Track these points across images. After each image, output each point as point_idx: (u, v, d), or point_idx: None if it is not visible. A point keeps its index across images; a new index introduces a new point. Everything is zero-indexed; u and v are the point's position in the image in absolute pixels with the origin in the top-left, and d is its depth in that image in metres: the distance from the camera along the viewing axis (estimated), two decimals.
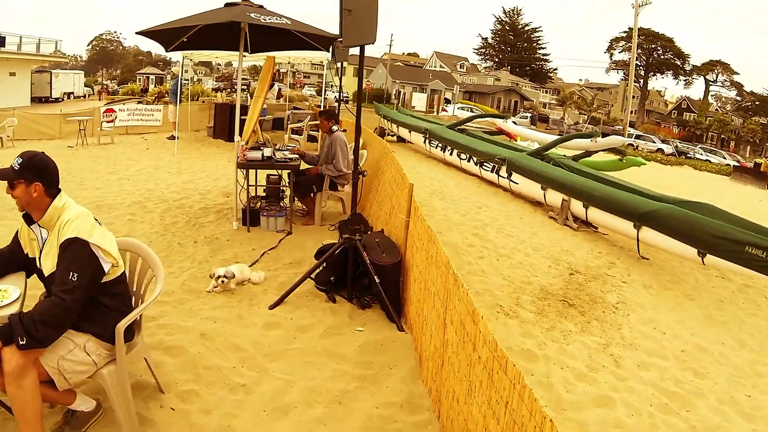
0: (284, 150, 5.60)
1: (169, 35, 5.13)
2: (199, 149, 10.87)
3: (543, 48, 62.60)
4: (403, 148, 13.10)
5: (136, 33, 4.66)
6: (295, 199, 5.67)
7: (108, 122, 12.72)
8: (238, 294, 3.85)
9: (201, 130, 13.28)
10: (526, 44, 61.25)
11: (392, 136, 14.22)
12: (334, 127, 5.55)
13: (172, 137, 11.48)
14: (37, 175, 2.09)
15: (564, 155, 8.41)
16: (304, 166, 5.71)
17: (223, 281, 3.81)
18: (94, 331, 2.17)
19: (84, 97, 33.90)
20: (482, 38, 65.60)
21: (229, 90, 24.30)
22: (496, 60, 62.33)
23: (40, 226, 2.18)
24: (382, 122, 14.75)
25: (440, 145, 10.95)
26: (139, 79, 44.86)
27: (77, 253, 2.05)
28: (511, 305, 4.08)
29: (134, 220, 5.39)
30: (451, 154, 10.47)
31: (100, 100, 29.02)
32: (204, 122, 13.49)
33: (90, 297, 2.11)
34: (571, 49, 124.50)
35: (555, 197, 7.03)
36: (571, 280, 4.71)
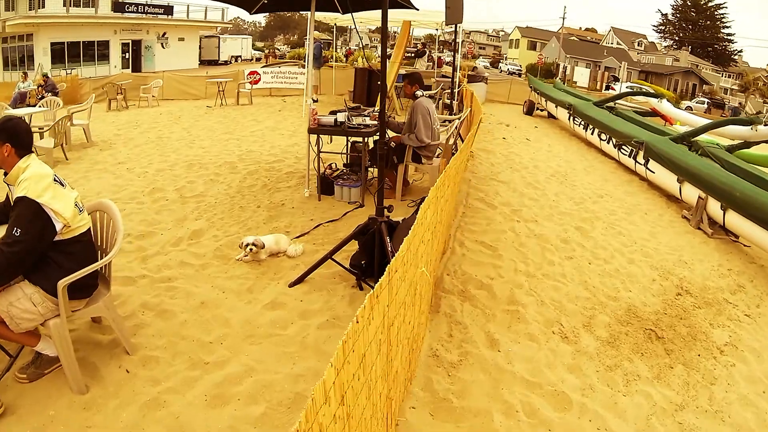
0: (366, 115, 5.27)
1: None
2: None
3: (727, 27, 52.94)
4: (550, 125, 11.75)
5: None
6: (371, 169, 5.35)
7: (251, 83, 13.99)
8: (265, 265, 3.72)
9: (344, 94, 13.65)
10: (708, 22, 52.68)
11: (542, 111, 12.81)
12: (418, 92, 5.01)
13: (313, 101, 12.02)
14: (9, 138, 2.25)
15: (718, 144, 6.47)
16: (392, 134, 5.32)
17: (251, 249, 3.71)
18: (42, 284, 2.27)
19: (252, 60, 37.49)
20: (662, 14, 59.49)
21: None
22: (676, 39, 54.00)
23: (8, 183, 2.36)
24: (532, 95, 13.40)
25: (583, 123, 9.42)
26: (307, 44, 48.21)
27: (23, 210, 2.16)
28: (576, 326, 3.18)
29: (216, 180, 5.69)
30: (592, 133, 8.92)
31: (266, 63, 32.07)
32: (350, 87, 13.81)
33: (42, 252, 2.23)
34: (758, 29, 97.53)
35: (691, 193, 5.42)
36: (673, 303, 3.50)
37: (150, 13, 27.58)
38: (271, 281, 3.52)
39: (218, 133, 8.63)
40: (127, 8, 26.28)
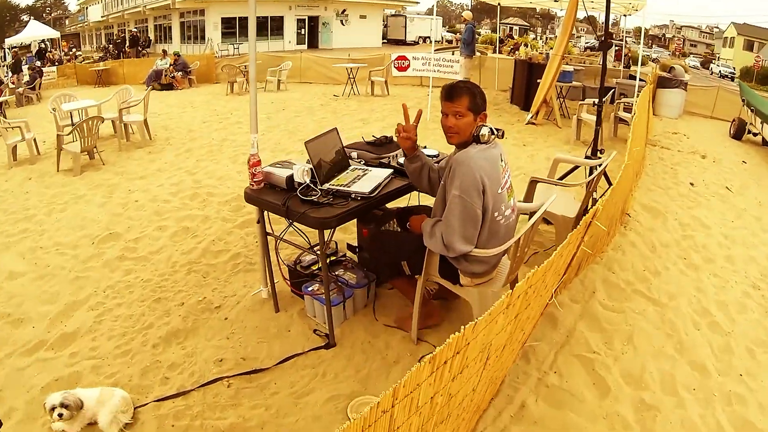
0: (378, 163, 2.67)
1: None
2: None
3: None
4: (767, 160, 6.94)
5: None
6: (360, 269, 2.74)
7: (398, 69, 11.83)
8: None
9: (506, 90, 10.58)
10: None
11: (755, 135, 7.86)
12: (484, 129, 2.11)
13: None
14: None
15: None
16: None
17: (61, 415, 1.70)
18: None
19: (440, 41, 35.45)
20: None
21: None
22: None
23: None
24: (742, 112, 8.33)
25: None
26: (500, 29, 44.34)
27: None
28: None
29: (184, 232, 3.76)
30: None
31: (452, 45, 29.61)
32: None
33: None
34: None
35: None
36: None
37: None
38: None
39: (302, 135, 6.91)
40: None
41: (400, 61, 11.80)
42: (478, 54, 10.86)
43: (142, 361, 2.56)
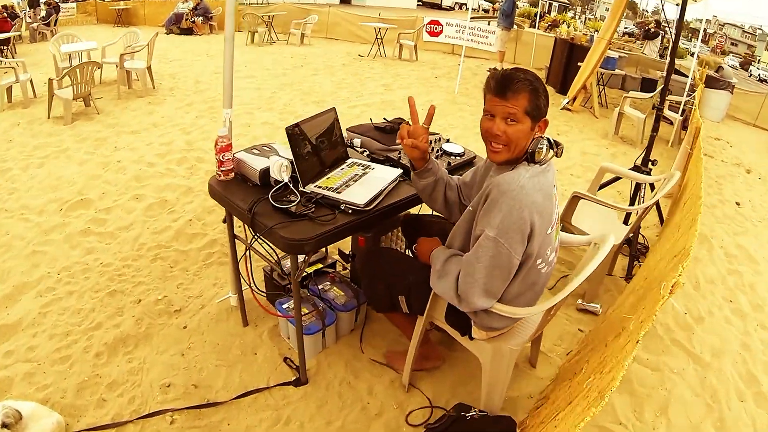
0: (374, 158, 2.11)
1: None
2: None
3: None
4: None
5: None
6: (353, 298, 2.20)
7: (430, 34, 10.95)
8: None
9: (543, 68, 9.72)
10: None
11: None
12: (542, 143, 1.46)
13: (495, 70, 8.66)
14: None
15: None
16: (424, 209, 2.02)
17: None
18: None
19: (476, 9, 33.72)
20: None
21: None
22: None
23: None
24: None
25: None
26: (540, 2, 41.93)
27: None
28: None
29: (164, 204, 3.26)
30: None
31: (488, 14, 28.00)
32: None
33: None
34: None
35: None
36: None
37: None
38: None
39: (316, 96, 6.28)
40: None
41: (432, 26, 10.89)
42: (515, 27, 9.91)
43: (81, 373, 2.13)
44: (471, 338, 1.70)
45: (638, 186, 3.16)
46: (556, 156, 1.50)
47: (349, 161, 2.07)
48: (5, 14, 10.40)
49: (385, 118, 2.52)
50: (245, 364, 2.15)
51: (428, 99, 6.79)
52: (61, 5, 12.68)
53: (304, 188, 1.80)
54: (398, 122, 2.39)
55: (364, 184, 1.88)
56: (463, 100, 6.89)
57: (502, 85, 1.40)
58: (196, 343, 2.27)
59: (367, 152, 2.27)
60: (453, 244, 1.63)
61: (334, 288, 2.30)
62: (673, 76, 7.21)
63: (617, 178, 3.23)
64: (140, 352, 2.24)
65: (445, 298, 1.55)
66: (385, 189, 1.86)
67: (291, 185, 1.78)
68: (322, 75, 7.96)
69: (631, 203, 3.20)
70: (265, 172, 1.82)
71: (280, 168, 1.77)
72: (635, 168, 3.21)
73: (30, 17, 11.89)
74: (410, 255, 2.01)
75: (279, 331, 2.30)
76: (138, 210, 3.39)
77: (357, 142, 2.32)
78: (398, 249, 2.32)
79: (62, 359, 2.21)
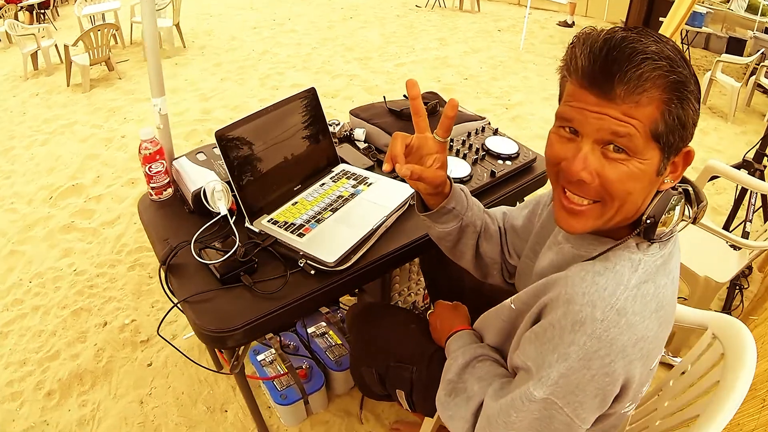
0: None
1: None
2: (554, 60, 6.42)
3: None
4: None
5: None
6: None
7: None
8: None
9: (619, 22, 8.27)
10: None
11: None
12: (674, 201, 0.64)
13: (566, 24, 7.56)
14: None
15: None
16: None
17: None
18: None
19: None
20: None
21: None
22: None
23: None
24: None
25: None
26: None
27: None
28: None
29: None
30: None
31: None
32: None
33: None
34: None
35: None
36: None
37: None
38: None
39: (359, 53, 5.62)
40: None
41: None
42: None
43: (28, 418, 1.77)
44: None
45: (743, 190, 2.27)
46: (693, 223, 0.76)
47: (336, 170, 1.43)
48: None
49: (404, 95, 1.82)
50: (210, 426, 1.68)
51: (489, 55, 5.85)
52: None
53: (251, 224, 1.19)
54: (427, 101, 1.66)
55: (346, 215, 1.23)
56: (528, 57, 5.87)
57: (608, 64, 0.61)
58: (159, 388, 1.82)
59: (373, 149, 1.62)
60: (483, 333, 0.98)
61: (330, 332, 1.73)
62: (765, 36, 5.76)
63: (715, 177, 2.30)
64: (96, 393, 1.84)
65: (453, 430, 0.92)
66: (378, 227, 1.20)
67: (231, 221, 1.17)
68: (371, 27, 7.15)
69: (734, 211, 2.32)
70: (199, 198, 1.23)
71: (213, 193, 1.17)
72: (745, 164, 2.31)
73: None
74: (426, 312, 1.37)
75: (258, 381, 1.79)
76: (129, 199, 2.97)
77: (359, 133, 1.66)
78: (409, 303, 1.67)
79: (12, 396, 1.86)
